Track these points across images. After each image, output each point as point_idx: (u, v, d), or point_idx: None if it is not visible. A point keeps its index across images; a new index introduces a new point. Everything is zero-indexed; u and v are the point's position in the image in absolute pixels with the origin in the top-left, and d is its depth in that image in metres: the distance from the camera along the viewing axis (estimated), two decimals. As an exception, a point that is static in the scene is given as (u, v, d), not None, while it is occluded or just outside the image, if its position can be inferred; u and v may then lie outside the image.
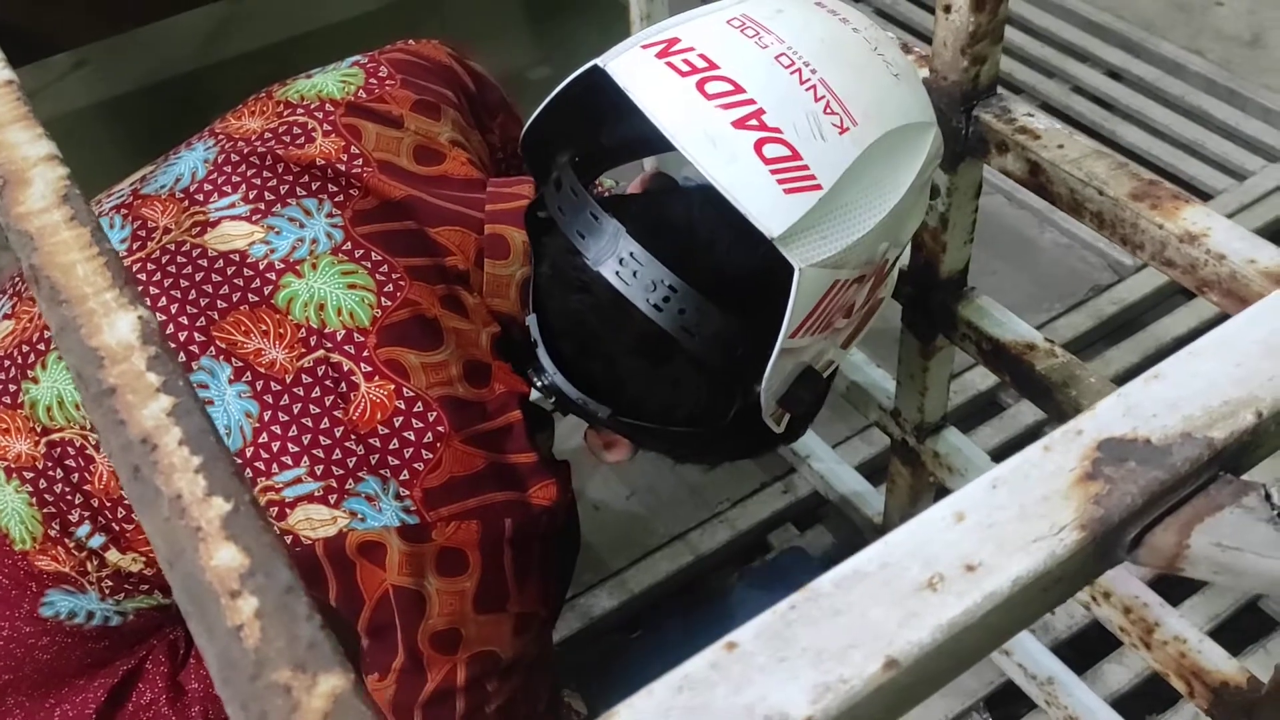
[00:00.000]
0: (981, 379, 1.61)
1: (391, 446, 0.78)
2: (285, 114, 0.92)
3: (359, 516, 0.78)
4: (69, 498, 0.83)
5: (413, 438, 0.78)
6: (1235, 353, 0.46)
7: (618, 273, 0.79)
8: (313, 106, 0.92)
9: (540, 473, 0.83)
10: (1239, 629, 1.36)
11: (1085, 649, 1.34)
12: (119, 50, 2.10)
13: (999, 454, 1.45)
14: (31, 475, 0.84)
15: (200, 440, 0.44)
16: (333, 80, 0.95)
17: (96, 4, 1.89)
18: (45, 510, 0.84)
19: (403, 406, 0.79)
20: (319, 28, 2.27)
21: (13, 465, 0.84)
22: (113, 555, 0.85)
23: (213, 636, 0.38)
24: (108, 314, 0.49)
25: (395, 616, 0.81)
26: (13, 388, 0.85)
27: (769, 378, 0.79)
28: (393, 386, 0.79)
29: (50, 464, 0.83)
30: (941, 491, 1.25)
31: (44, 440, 0.84)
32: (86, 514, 0.84)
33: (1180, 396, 0.45)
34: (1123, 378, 1.51)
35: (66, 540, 0.84)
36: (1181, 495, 0.43)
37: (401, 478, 0.78)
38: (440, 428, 0.79)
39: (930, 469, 1.23)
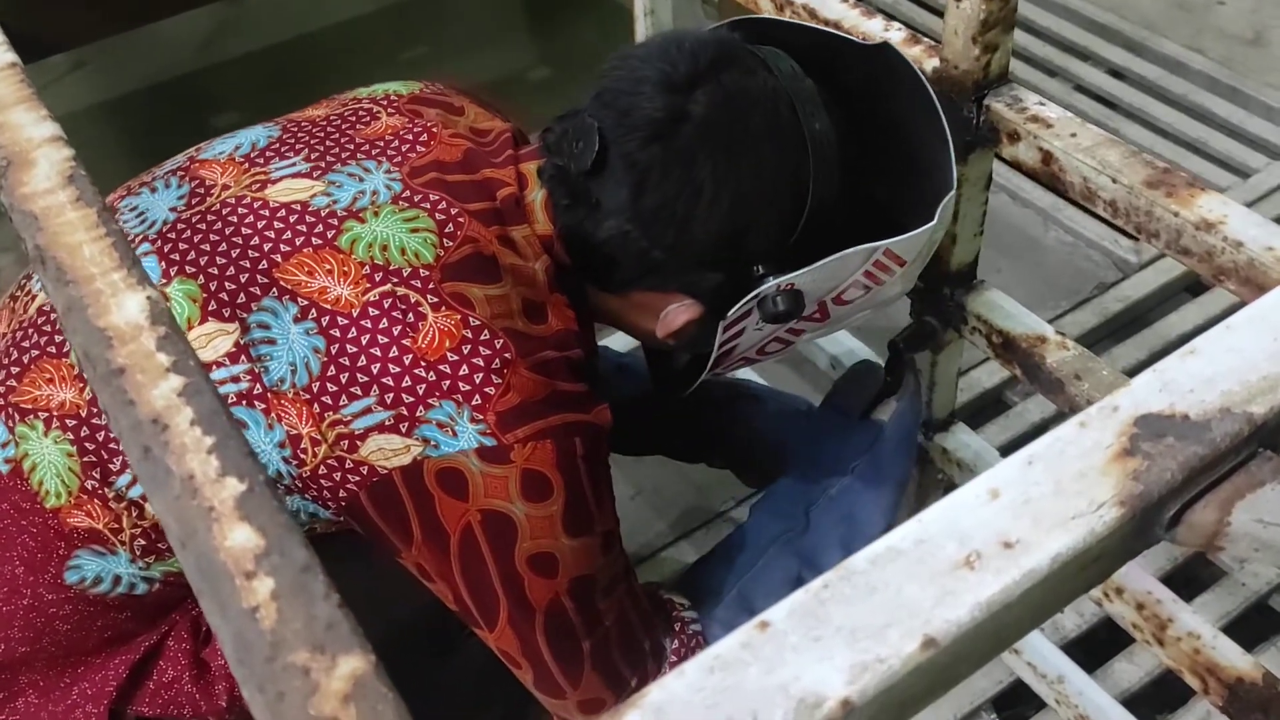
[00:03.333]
0: (988, 376, 1.60)
1: (462, 372, 0.81)
2: (350, 104, 0.97)
3: (432, 444, 0.80)
4: (112, 445, 0.83)
5: (481, 363, 0.81)
6: (1271, 328, 0.45)
7: None
8: (378, 97, 0.97)
9: (595, 397, 0.87)
10: (1250, 627, 1.35)
11: (1095, 648, 1.32)
12: (118, 51, 2.09)
13: (1006, 451, 1.44)
14: (74, 423, 0.83)
15: (212, 420, 0.43)
16: (395, 83, 1.01)
17: (95, 4, 1.88)
18: (85, 459, 0.83)
19: (469, 335, 0.81)
20: (318, 29, 2.26)
21: (55, 414, 0.84)
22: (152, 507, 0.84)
23: (227, 617, 0.37)
24: (115, 294, 0.48)
25: (485, 546, 0.82)
26: (58, 337, 0.86)
27: (823, 265, 0.86)
28: (459, 316, 0.82)
29: (96, 410, 0.83)
30: (950, 489, 1.23)
31: (90, 386, 0.83)
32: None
33: (1217, 372, 0.44)
34: (1130, 374, 1.50)
35: (105, 490, 0.84)
36: (1221, 472, 0.42)
37: (474, 402, 0.80)
38: (507, 354, 0.82)
39: (939, 466, 1.22)
